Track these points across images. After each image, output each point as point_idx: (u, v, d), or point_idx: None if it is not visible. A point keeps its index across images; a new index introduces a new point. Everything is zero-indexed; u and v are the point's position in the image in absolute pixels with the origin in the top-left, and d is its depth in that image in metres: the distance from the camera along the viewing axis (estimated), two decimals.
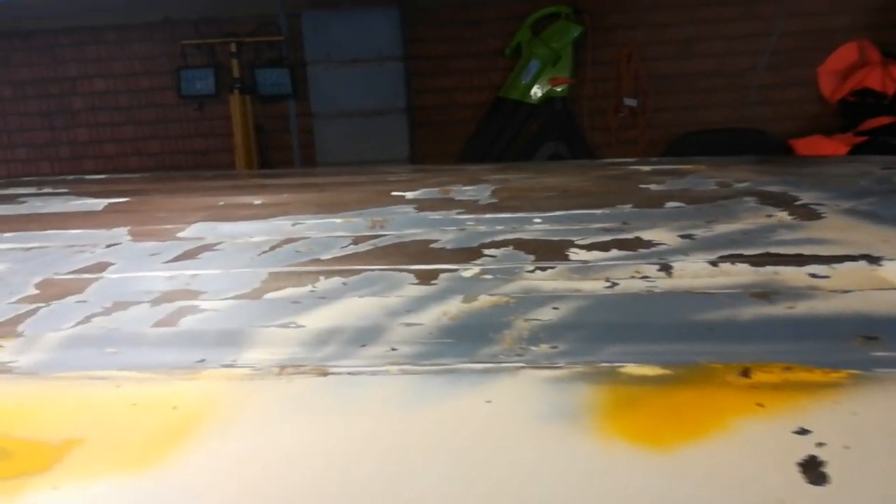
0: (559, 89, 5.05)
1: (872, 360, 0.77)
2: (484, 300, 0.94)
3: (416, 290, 1.00)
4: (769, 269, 1.02)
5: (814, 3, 4.78)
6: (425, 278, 1.05)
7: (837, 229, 1.21)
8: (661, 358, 0.78)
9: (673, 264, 1.05)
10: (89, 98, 5.35)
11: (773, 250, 1.10)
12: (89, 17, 5.06)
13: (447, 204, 1.55)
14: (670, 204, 1.44)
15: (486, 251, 1.16)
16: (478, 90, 5.21)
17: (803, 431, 0.65)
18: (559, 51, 4.97)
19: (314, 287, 1.03)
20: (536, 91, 5.06)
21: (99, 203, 1.76)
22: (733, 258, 1.07)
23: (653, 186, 1.70)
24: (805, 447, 0.63)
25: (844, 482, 0.59)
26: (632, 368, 0.76)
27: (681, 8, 4.88)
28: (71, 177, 2.46)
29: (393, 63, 4.95)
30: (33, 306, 0.98)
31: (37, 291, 1.06)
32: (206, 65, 5.09)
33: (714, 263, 1.05)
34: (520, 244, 1.19)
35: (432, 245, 1.21)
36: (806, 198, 1.45)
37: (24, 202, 1.82)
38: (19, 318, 0.93)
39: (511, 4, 5.03)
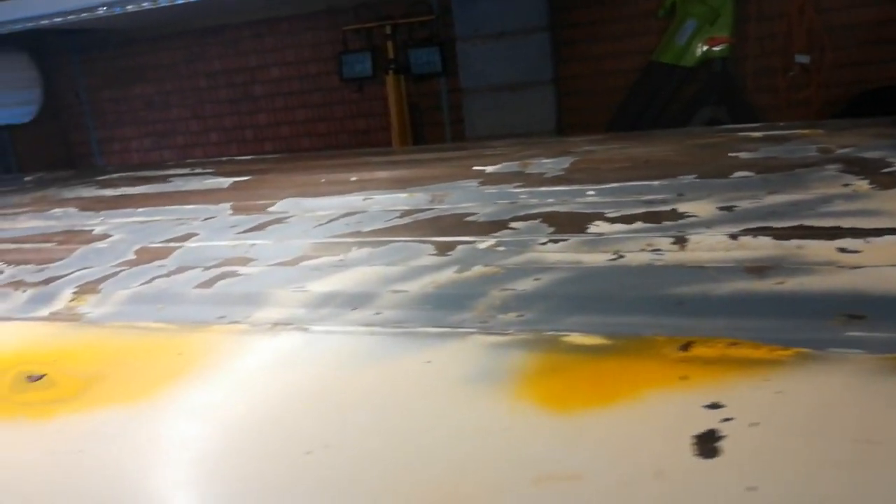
0: (718, 49, 4.70)
1: (841, 339, 0.72)
2: (476, 270, 0.99)
3: (427, 261, 1.08)
4: (794, 242, 0.96)
5: None
6: (443, 249, 1.11)
7: None
8: (611, 329, 0.79)
9: (690, 237, 1.02)
10: (267, 85, 5.91)
11: (811, 223, 1.02)
12: (265, 10, 5.59)
13: (514, 178, 1.58)
14: (738, 174, 1.36)
15: (513, 224, 1.19)
16: (629, 55, 5.00)
17: (715, 406, 0.64)
18: (718, 8, 4.61)
19: (344, 256, 1.14)
20: (693, 53, 4.75)
21: (226, 181, 2.02)
22: (759, 231, 1.01)
23: (742, 155, 1.60)
24: (709, 421, 0.63)
25: (734, 458, 0.59)
26: (574, 338, 0.78)
27: None
28: (225, 158, 2.79)
29: (539, 34, 4.91)
30: (121, 269, 1.19)
31: (134, 257, 1.28)
32: (364, 48, 5.40)
33: (734, 237, 1.00)
34: (549, 217, 1.21)
35: (467, 218, 1.27)
36: None
37: (170, 181, 2.13)
38: (105, 279, 1.15)
39: None
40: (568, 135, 4.88)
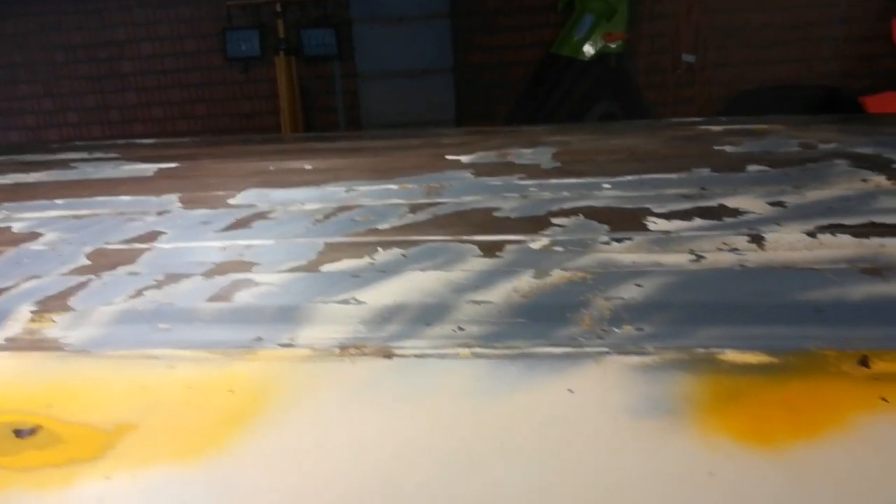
0: (614, 45, 4.84)
1: None
2: (557, 275, 0.86)
3: (480, 264, 0.93)
4: (875, 241, 0.92)
5: None
6: (490, 250, 0.97)
7: None
8: (764, 343, 0.69)
9: (765, 235, 0.95)
10: (137, 62, 5.36)
11: (878, 219, 0.99)
12: None
13: (506, 168, 1.46)
14: (752, 167, 1.32)
15: (555, 220, 1.07)
16: (528, 48, 5.03)
17: None
18: (614, 4, 4.74)
19: (373, 259, 0.97)
20: (589, 47, 4.86)
21: (149, 168, 1.73)
22: (832, 228, 0.96)
23: (728, 148, 1.58)
24: None
25: None
26: (732, 355, 0.68)
27: None
28: (122, 141, 2.44)
29: (440, 21, 4.81)
30: (84, 278, 0.94)
31: (88, 262, 1.02)
32: (252, 26, 5.03)
33: (812, 234, 0.95)
34: (591, 212, 1.10)
35: (495, 213, 1.14)
36: None
37: (75, 167, 1.80)
38: (70, 291, 0.90)
39: None
40: (471, 124, 4.82)
